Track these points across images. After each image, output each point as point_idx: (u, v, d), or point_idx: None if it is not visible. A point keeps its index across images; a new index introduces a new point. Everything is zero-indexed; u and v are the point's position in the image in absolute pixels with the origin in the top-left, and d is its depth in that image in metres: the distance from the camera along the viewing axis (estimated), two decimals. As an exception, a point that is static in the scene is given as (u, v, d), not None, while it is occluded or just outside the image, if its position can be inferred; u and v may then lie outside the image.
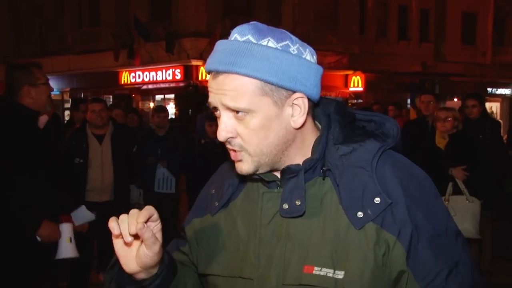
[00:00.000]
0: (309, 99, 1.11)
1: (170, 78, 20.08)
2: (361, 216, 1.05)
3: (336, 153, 1.12)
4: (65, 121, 10.81)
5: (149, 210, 1.07)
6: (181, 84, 19.56)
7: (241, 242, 1.17)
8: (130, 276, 1.15)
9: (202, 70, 19.20)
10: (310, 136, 1.15)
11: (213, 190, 1.27)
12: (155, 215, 1.08)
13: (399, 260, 1.05)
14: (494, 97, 26.36)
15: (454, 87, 23.76)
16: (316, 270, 1.07)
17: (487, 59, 25.87)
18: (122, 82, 21.63)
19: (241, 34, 1.09)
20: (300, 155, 1.14)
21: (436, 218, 1.09)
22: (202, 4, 18.73)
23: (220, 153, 5.58)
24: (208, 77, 1.13)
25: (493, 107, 25.72)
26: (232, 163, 1.17)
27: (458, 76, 23.81)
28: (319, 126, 1.19)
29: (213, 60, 1.10)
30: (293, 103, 1.09)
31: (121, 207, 4.62)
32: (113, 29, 19.73)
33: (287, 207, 1.10)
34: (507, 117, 25.05)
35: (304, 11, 19.34)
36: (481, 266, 5.26)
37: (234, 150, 1.12)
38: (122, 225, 1.07)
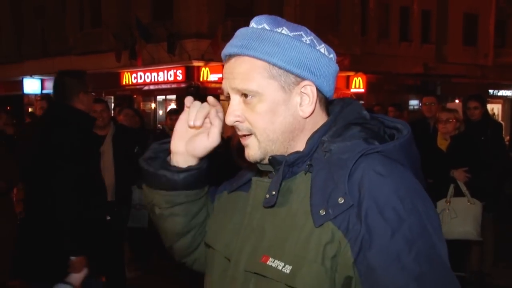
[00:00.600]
0: (319, 90, 1.12)
1: (171, 79, 20.09)
2: (323, 214, 1.03)
3: (322, 149, 1.11)
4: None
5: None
6: (183, 85, 19.56)
7: (237, 224, 1.20)
8: (168, 154, 1.23)
9: (203, 71, 19.20)
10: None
11: (242, 171, 1.31)
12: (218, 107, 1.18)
13: (346, 265, 1.00)
14: (495, 98, 26.33)
15: (455, 89, 23.73)
16: (270, 261, 1.07)
17: (488, 61, 25.84)
18: (124, 83, 21.65)
19: (257, 23, 1.13)
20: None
21: (401, 231, 0.98)
22: (203, 5, 18.74)
23: (223, 153, 5.61)
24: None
25: (494, 108, 25.68)
26: None
27: (459, 78, 23.78)
28: None
29: (228, 46, 1.15)
30: (301, 92, 1.10)
31: (123, 208, 4.62)
32: (114, 30, 19.75)
33: (267, 197, 1.12)
34: (509, 119, 25.01)
35: (305, 12, 19.33)
36: (482, 268, 5.26)
37: (244, 135, 1.14)
38: (193, 109, 1.17)
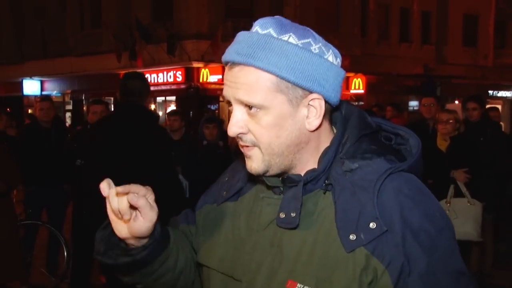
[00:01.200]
0: (326, 102, 1.07)
1: (171, 80, 20.09)
2: (353, 239, 1.00)
3: (341, 168, 1.06)
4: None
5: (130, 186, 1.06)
6: (182, 86, 19.57)
7: (239, 241, 1.16)
8: (119, 241, 1.13)
9: (203, 72, 19.21)
10: (325, 142, 1.11)
11: (226, 178, 1.26)
12: (142, 189, 1.06)
13: None
14: (495, 99, 26.30)
15: (455, 90, 23.73)
16: (299, 287, 1.03)
17: (488, 62, 25.85)
18: (124, 84, 21.64)
19: (262, 27, 1.06)
20: (312, 161, 1.10)
21: (436, 254, 1.00)
22: (203, 6, 18.74)
23: (223, 155, 5.57)
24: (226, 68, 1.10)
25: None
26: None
27: (459, 79, 23.79)
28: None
29: (230, 50, 1.07)
30: (309, 104, 1.05)
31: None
32: (114, 31, 19.76)
33: (283, 216, 1.07)
34: (508, 120, 24.99)
35: (305, 13, 19.34)
36: (483, 268, 5.26)
37: (247, 146, 1.08)
38: (113, 203, 1.06)
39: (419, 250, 0.99)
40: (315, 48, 1.05)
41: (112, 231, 1.13)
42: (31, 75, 25.07)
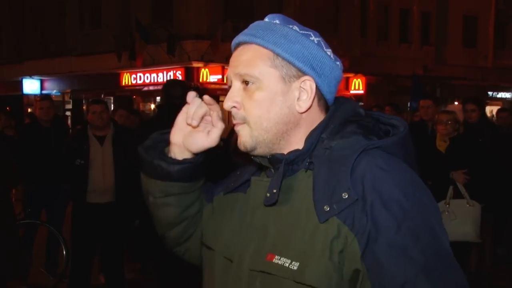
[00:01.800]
0: (318, 88, 1.14)
1: (171, 80, 20.08)
2: (327, 210, 1.04)
3: (321, 146, 1.12)
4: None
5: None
6: (182, 86, 19.56)
7: (237, 225, 1.21)
8: (165, 147, 1.24)
9: (203, 72, 19.21)
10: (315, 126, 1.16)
11: (238, 172, 1.31)
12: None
13: (354, 258, 1.01)
14: (495, 100, 26.33)
15: (455, 91, 23.74)
16: (276, 259, 1.07)
17: (488, 63, 25.87)
18: (123, 84, 21.65)
19: (270, 18, 1.18)
20: (302, 144, 1.14)
21: (406, 224, 1.00)
22: (203, 6, 18.75)
23: (224, 154, 5.64)
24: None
25: (493, 110, 25.69)
26: None
27: (459, 80, 23.80)
28: None
29: (238, 35, 1.18)
30: (300, 86, 1.12)
31: (123, 209, 4.62)
32: (114, 31, 19.76)
33: (268, 195, 1.12)
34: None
35: (305, 14, 19.34)
36: (482, 269, 5.26)
37: (238, 123, 1.16)
38: (192, 107, 1.19)
39: (388, 218, 1.00)
40: (314, 39, 1.15)
41: (166, 140, 1.24)
42: (30, 74, 25.06)
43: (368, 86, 22.19)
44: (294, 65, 1.12)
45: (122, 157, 4.69)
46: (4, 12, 25.45)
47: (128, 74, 21.35)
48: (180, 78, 19.61)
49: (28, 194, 5.36)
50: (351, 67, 19.96)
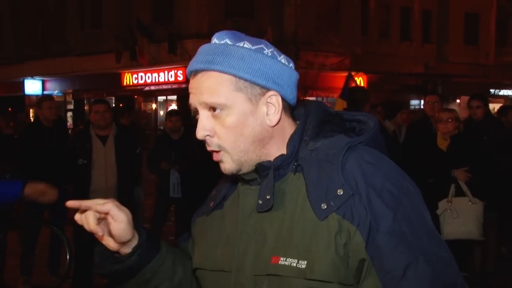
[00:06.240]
0: (283, 99, 1.17)
1: (172, 79, 20.12)
2: (324, 208, 1.08)
3: (306, 148, 1.16)
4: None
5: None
6: (183, 86, 19.57)
7: (226, 237, 1.23)
8: (113, 253, 1.22)
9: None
10: (290, 133, 1.20)
11: (214, 192, 1.34)
12: (99, 201, 1.17)
13: (359, 249, 1.06)
14: (497, 98, 26.30)
15: (456, 88, 23.72)
16: (282, 260, 1.10)
17: (490, 60, 25.83)
18: (125, 84, 21.67)
19: (219, 39, 1.17)
20: (281, 152, 1.18)
21: (400, 211, 1.08)
22: (204, 5, 18.76)
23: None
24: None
25: (495, 108, 25.65)
26: None
27: (460, 77, 23.77)
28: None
29: (193, 62, 1.18)
30: (267, 102, 1.15)
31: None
32: (115, 31, 19.77)
33: (261, 202, 1.15)
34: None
35: (306, 12, 19.34)
36: (485, 268, 5.25)
37: (215, 151, 1.18)
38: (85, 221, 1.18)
39: (384, 208, 1.07)
40: (267, 52, 1.16)
41: (104, 247, 1.22)
42: (32, 75, 25.10)
43: (369, 85, 22.14)
44: (257, 84, 1.14)
45: (125, 157, 4.70)
46: (5, 12, 25.48)
47: (129, 74, 21.37)
48: (182, 77, 19.65)
49: (30, 195, 5.35)
50: (352, 65, 19.96)
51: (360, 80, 21.96)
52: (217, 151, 1.17)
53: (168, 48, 18.26)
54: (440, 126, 4.78)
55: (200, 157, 5.59)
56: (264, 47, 1.16)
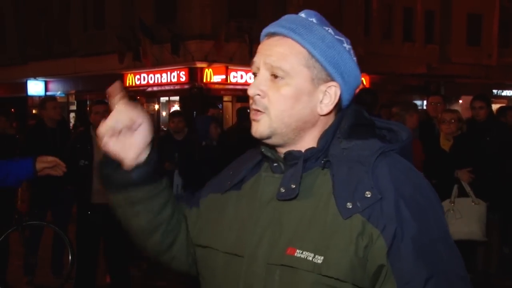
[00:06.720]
0: (341, 96, 1.17)
1: (175, 80, 20.11)
2: (350, 207, 1.08)
3: (339, 146, 1.16)
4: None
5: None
6: (186, 86, 19.59)
7: (242, 221, 1.22)
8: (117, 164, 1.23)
9: (206, 72, 19.21)
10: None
11: (231, 172, 1.32)
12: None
13: (380, 254, 1.06)
14: (499, 98, 26.20)
15: (459, 89, 23.67)
16: (298, 253, 1.09)
17: (492, 61, 25.77)
18: (127, 85, 21.68)
19: (307, 15, 1.19)
20: (312, 144, 1.18)
21: (425, 222, 1.09)
22: (207, 6, 18.76)
23: (221, 156, 5.55)
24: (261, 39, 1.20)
25: (498, 108, 25.55)
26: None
27: (463, 78, 23.72)
28: None
29: (274, 25, 1.18)
30: (326, 90, 1.16)
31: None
32: (118, 31, 19.79)
33: (283, 190, 1.15)
34: (513, 119, 24.90)
35: (308, 13, 19.33)
36: (488, 268, 5.24)
37: (257, 110, 1.16)
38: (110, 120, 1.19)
39: (411, 217, 1.07)
40: (347, 46, 1.18)
41: (117, 166, 1.23)
42: (35, 76, 25.14)
43: (372, 85, 22.11)
44: (325, 69, 1.15)
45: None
46: (8, 13, 25.54)
47: (132, 75, 21.39)
48: (184, 78, 19.66)
49: (34, 196, 5.37)
50: (355, 66, 19.90)
51: (363, 81, 21.96)
52: (259, 111, 1.16)
53: (171, 49, 18.27)
54: (443, 126, 4.78)
55: (200, 157, 5.66)
56: (344, 41, 1.18)
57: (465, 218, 4.44)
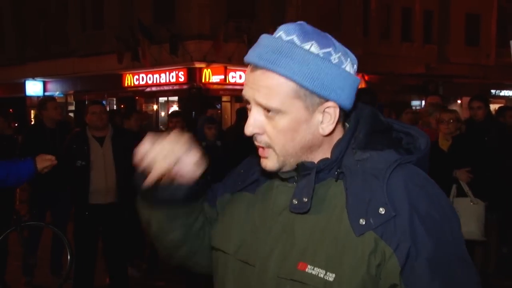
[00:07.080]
0: (341, 109, 1.13)
1: (173, 80, 20.11)
2: (363, 224, 1.05)
3: (353, 157, 1.12)
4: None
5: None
6: (185, 87, 19.59)
7: (254, 229, 1.19)
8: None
9: (205, 72, 19.22)
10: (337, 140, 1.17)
11: (242, 170, 1.30)
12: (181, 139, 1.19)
13: (393, 274, 1.03)
14: (498, 98, 26.25)
15: (457, 89, 23.69)
16: (309, 269, 1.07)
17: (491, 61, 25.80)
18: (126, 85, 21.68)
19: (286, 33, 1.09)
20: (326, 156, 1.15)
21: (441, 239, 1.05)
22: (205, 6, 18.76)
23: (221, 157, 5.55)
24: (247, 69, 1.15)
25: (496, 108, 25.59)
26: None
27: (461, 78, 23.75)
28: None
29: (254, 53, 1.11)
30: (324, 111, 1.11)
31: (125, 209, 4.63)
32: (117, 32, 19.79)
33: (296, 202, 1.12)
34: (511, 119, 24.92)
35: (307, 13, 19.32)
36: (487, 268, 5.25)
37: (262, 147, 1.14)
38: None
39: (426, 235, 1.03)
40: (335, 58, 1.10)
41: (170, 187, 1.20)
42: (33, 76, 25.11)
43: (370, 85, 22.16)
44: (317, 95, 1.09)
45: (123, 157, 4.69)
46: (6, 13, 25.51)
47: (130, 75, 21.38)
48: (183, 78, 19.66)
49: (33, 196, 5.36)
50: (354, 66, 19.90)
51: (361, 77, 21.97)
52: (264, 148, 1.14)
53: (169, 49, 18.26)
54: (442, 126, 4.78)
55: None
56: (332, 51, 1.10)
57: (463, 218, 4.42)
